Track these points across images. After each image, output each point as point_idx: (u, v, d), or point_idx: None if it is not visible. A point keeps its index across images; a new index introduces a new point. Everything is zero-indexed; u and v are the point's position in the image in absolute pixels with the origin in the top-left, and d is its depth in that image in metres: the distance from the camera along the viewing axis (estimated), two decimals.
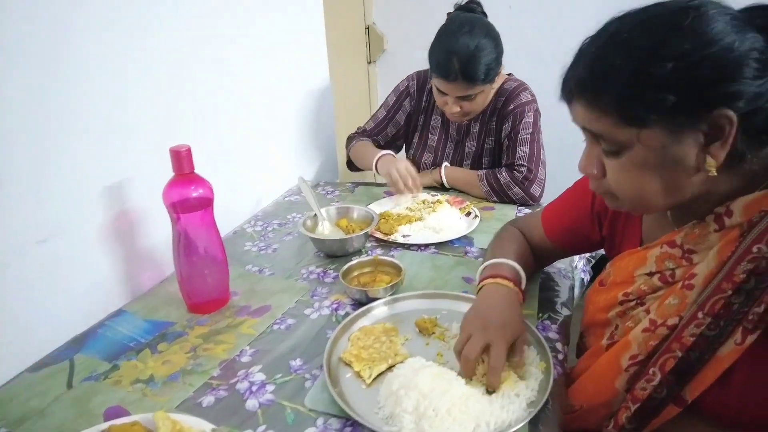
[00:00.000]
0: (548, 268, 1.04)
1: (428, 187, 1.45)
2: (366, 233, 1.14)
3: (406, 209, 1.31)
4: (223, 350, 0.84)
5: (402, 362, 0.77)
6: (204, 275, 0.93)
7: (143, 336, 0.89)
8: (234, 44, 1.26)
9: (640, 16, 0.59)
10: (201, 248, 0.92)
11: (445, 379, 0.71)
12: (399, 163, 1.35)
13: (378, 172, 1.40)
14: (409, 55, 1.91)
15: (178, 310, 0.95)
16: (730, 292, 0.57)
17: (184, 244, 0.90)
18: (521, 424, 0.65)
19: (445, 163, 1.47)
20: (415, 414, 0.66)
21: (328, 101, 1.77)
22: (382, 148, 1.51)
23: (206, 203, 0.91)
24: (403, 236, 1.19)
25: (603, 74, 0.58)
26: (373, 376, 0.75)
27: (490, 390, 0.71)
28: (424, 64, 1.46)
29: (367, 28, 2.31)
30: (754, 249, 0.56)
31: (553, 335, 0.86)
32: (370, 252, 1.14)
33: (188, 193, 0.88)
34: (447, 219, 1.25)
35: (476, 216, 1.26)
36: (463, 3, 1.40)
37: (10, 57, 0.76)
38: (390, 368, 0.77)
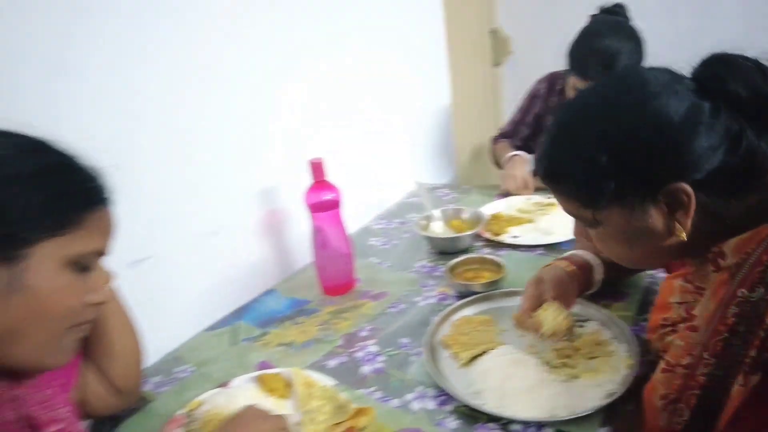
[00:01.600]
0: (660, 273, 1.05)
1: (545, 189, 1.49)
2: (474, 233, 1.24)
3: (517, 211, 1.38)
4: (347, 325, 1.02)
5: (494, 349, 0.87)
6: (334, 264, 1.12)
7: (286, 310, 1.11)
8: (357, 54, 1.43)
9: (581, 105, 0.63)
10: (332, 242, 1.10)
11: (530, 365, 0.80)
12: (522, 167, 1.42)
13: (503, 170, 1.48)
14: (537, 57, 1.94)
15: (313, 291, 1.16)
16: (726, 334, 0.56)
17: (319, 238, 1.10)
18: (594, 410, 0.72)
19: None
20: (499, 391, 0.76)
21: (449, 106, 1.89)
22: (519, 149, 1.56)
23: (335, 205, 1.09)
24: (513, 237, 1.27)
25: (555, 165, 0.64)
26: (467, 358, 0.87)
27: (572, 376, 0.78)
28: (551, 66, 1.50)
29: (492, 32, 2.37)
30: (739, 293, 0.55)
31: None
32: (478, 251, 1.24)
33: (322, 197, 1.07)
34: (558, 222, 1.29)
35: None
36: (608, 6, 1.41)
37: (192, 88, 1.02)
38: (483, 353, 0.87)
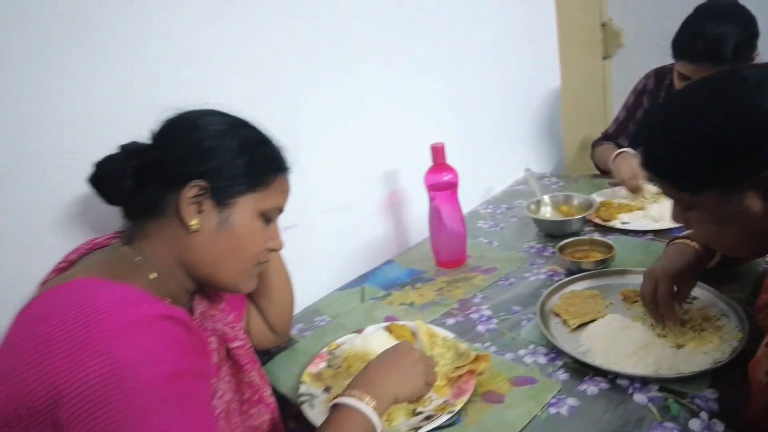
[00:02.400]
0: None
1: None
2: (584, 217, 1.30)
3: (627, 199, 1.40)
4: (461, 292, 1.14)
5: (602, 318, 0.94)
6: (448, 240, 1.24)
7: (405, 278, 1.25)
8: (469, 45, 1.53)
9: (684, 97, 0.67)
10: (447, 219, 1.23)
11: (638, 330, 0.87)
12: (632, 159, 1.41)
13: (612, 168, 1.46)
14: (647, 49, 1.92)
15: (428, 264, 1.29)
16: None
17: (436, 216, 1.23)
18: (700, 372, 0.76)
19: None
20: (606, 352, 0.84)
21: (558, 97, 1.93)
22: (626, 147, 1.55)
23: (453, 186, 1.21)
24: (622, 223, 1.31)
25: (658, 150, 0.70)
26: (576, 324, 0.94)
27: (680, 344, 0.83)
28: (662, 58, 1.49)
29: (603, 24, 2.36)
30: None
31: None
32: (588, 235, 1.30)
33: (441, 178, 1.20)
34: (669, 209, 1.30)
35: None
36: None
37: (334, 82, 1.19)
38: (591, 321, 0.94)
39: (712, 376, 0.78)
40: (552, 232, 1.32)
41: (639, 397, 0.77)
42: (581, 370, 0.84)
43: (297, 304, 1.15)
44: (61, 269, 0.73)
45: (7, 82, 0.77)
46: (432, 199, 1.22)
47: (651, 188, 1.41)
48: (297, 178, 1.13)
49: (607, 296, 1.02)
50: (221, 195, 0.72)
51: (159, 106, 0.75)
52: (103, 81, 0.85)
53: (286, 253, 1.07)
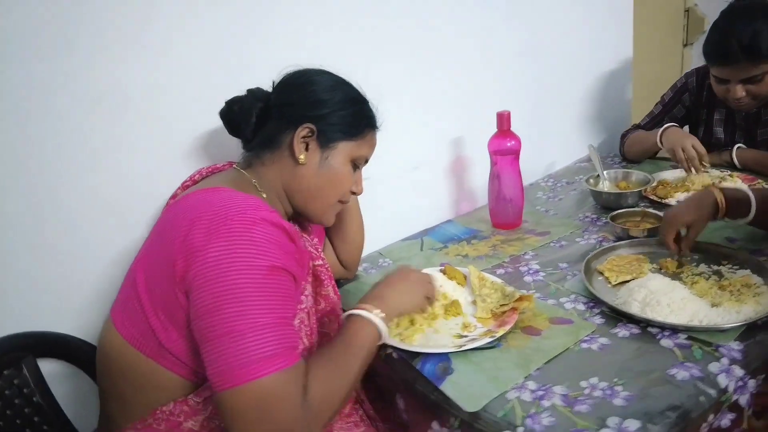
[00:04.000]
0: None
1: (717, 166, 1.50)
2: (640, 192, 1.35)
3: (687, 180, 1.43)
4: (513, 250, 1.24)
5: (644, 277, 1.02)
6: (506, 203, 1.34)
7: (462, 235, 1.37)
8: (544, 18, 1.58)
9: None
10: (506, 184, 1.32)
11: (676, 288, 0.94)
12: (686, 139, 1.43)
13: (662, 146, 1.50)
14: None
15: (485, 225, 1.40)
16: None
17: (496, 180, 1.33)
18: (730, 327, 0.84)
19: (739, 144, 1.49)
20: (642, 303, 0.92)
21: (629, 79, 1.94)
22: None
23: (515, 152, 1.31)
24: (677, 201, 1.35)
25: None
26: (617, 281, 1.03)
27: (715, 303, 0.90)
28: None
29: (687, 10, 2.31)
30: None
31: None
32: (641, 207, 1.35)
33: (504, 144, 1.30)
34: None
35: None
36: None
37: (410, 55, 1.31)
38: (632, 279, 1.02)
39: (743, 333, 0.84)
40: (608, 205, 1.38)
41: (666, 342, 0.85)
42: (616, 317, 0.93)
43: (365, 247, 1.32)
44: (186, 186, 0.91)
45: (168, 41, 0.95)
46: (494, 163, 1.32)
47: (716, 172, 1.44)
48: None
49: (651, 261, 1.09)
50: (325, 138, 0.87)
51: (271, 64, 0.91)
52: (233, 41, 1.03)
53: (361, 204, 1.23)
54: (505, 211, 1.36)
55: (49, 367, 0.92)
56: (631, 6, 1.85)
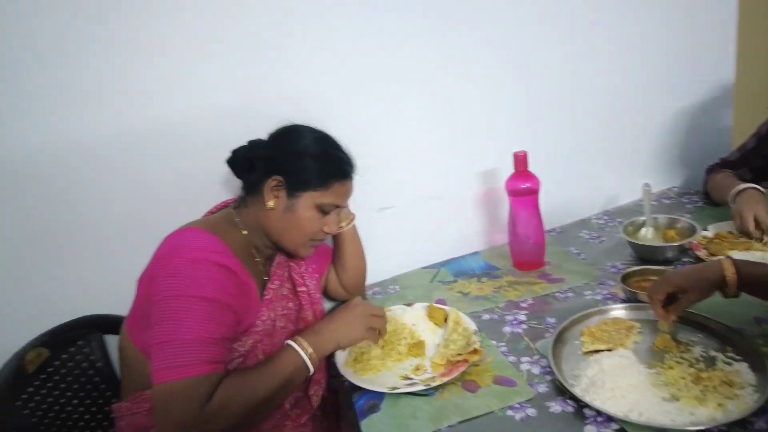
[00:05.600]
0: None
1: None
2: (680, 246, 1.21)
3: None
4: (515, 294, 1.23)
5: (616, 350, 0.95)
6: (523, 244, 1.32)
7: (479, 270, 1.38)
8: (583, 51, 1.47)
9: None
10: (522, 225, 1.30)
11: (636, 372, 0.87)
12: (758, 206, 1.22)
13: (731, 205, 1.28)
14: None
15: (506, 262, 1.38)
16: None
17: (513, 220, 1.31)
18: (660, 428, 0.76)
19: None
20: (590, 381, 0.87)
21: (728, 104, 1.66)
22: (747, 182, 1.33)
23: (532, 193, 1.27)
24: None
25: None
26: (589, 348, 0.97)
27: (674, 396, 0.82)
28: None
29: None
30: None
31: None
32: (680, 266, 1.21)
33: (519, 185, 1.27)
34: None
35: None
36: None
37: (437, 84, 1.34)
38: (606, 350, 0.96)
39: None
40: (643, 257, 1.26)
41: (590, 429, 0.81)
42: (563, 389, 0.90)
43: (381, 273, 1.41)
44: (211, 212, 1.12)
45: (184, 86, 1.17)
46: (511, 204, 1.30)
47: None
48: (395, 167, 1.37)
49: (644, 332, 1.00)
50: (291, 189, 1.00)
51: (277, 116, 1.05)
52: (245, 96, 1.20)
53: (381, 232, 1.34)
54: (523, 251, 1.33)
55: (110, 340, 1.22)
56: (734, 18, 1.57)
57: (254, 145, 1.05)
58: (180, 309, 0.85)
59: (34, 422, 1.01)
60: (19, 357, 1.02)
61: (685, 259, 1.23)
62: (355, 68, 1.27)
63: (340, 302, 1.29)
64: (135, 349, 1.00)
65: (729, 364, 0.88)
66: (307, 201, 1.00)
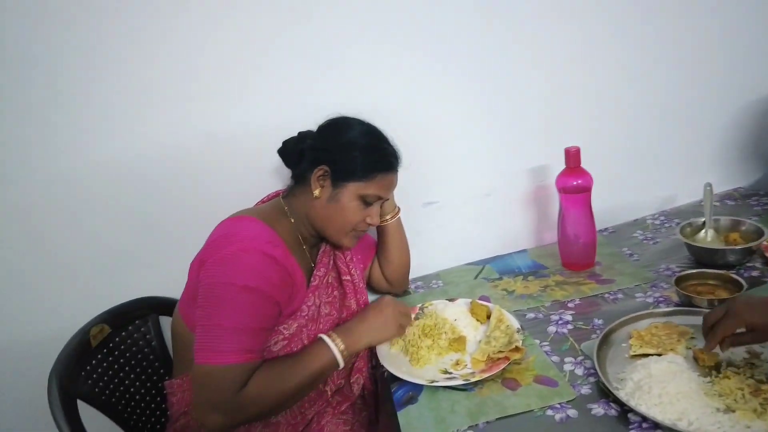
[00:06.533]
0: None
1: None
2: (745, 249, 1.14)
3: None
4: (562, 294, 1.20)
5: (666, 354, 0.91)
6: (572, 243, 1.28)
7: (525, 269, 1.35)
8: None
9: None
10: (572, 223, 1.26)
11: (685, 379, 0.83)
12: None
13: None
14: None
15: (554, 261, 1.35)
16: None
17: (563, 218, 1.28)
18: None
19: None
20: (636, 385, 0.84)
21: None
22: None
23: (584, 190, 1.23)
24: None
25: None
26: (637, 352, 0.94)
27: (730, 408, 0.78)
28: None
29: None
30: None
31: None
32: (743, 271, 1.14)
33: (570, 182, 1.23)
34: None
35: None
36: None
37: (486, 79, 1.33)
38: (655, 354, 0.92)
39: None
40: (702, 260, 1.20)
41: None
42: (607, 391, 0.87)
43: (425, 268, 1.42)
44: (263, 201, 1.16)
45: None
46: (561, 201, 1.27)
47: None
48: (443, 162, 1.37)
49: (697, 339, 0.95)
50: (336, 179, 1.02)
51: (327, 108, 1.08)
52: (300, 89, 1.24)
53: (427, 226, 1.35)
54: (572, 250, 1.29)
55: (165, 321, 1.29)
56: None
57: (303, 136, 1.08)
58: (224, 296, 0.89)
59: (96, 392, 1.09)
60: (85, 331, 1.11)
61: (748, 264, 1.16)
62: (407, 63, 1.28)
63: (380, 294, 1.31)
64: (186, 330, 1.06)
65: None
66: (351, 191, 1.02)
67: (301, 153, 1.06)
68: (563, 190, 1.25)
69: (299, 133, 1.10)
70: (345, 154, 1.02)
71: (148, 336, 1.27)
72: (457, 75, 1.32)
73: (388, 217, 1.19)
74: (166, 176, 1.23)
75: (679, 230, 1.25)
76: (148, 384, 1.22)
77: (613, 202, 1.47)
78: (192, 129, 1.21)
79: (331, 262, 1.14)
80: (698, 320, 0.98)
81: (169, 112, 1.20)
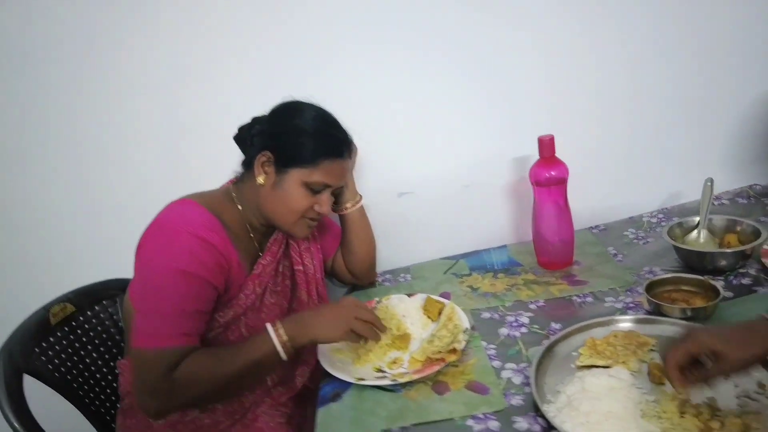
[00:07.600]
0: None
1: None
2: (739, 253, 1.00)
3: None
4: (527, 295, 1.11)
5: (613, 368, 0.81)
6: (547, 240, 1.18)
7: (498, 266, 1.26)
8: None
9: None
10: (548, 219, 1.16)
11: (619, 396, 0.74)
12: None
13: None
14: None
15: (531, 258, 1.25)
16: None
17: (537, 213, 1.18)
18: None
19: None
20: (568, 400, 0.76)
21: None
22: None
23: (559, 182, 1.13)
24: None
25: None
26: (584, 362, 0.84)
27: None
28: None
29: None
30: None
31: None
32: (733, 278, 1.00)
33: (544, 174, 1.13)
34: None
35: None
36: None
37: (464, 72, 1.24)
38: (603, 366, 0.83)
39: None
40: (690, 264, 1.07)
41: None
42: (537, 404, 0.79)
43: (399, 260, 1.36)
44: (227, 185, 1.13)
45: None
46: (535, 194, 1.17)
47: None
48: (419, 151, 1.30)
49: (658, 350, 0.84)
50: (280, 165, 0.98)
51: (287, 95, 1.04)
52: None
53: (401, 217, 1.30)
54: (547, 248, 1.19)
55: None
56: None
57: (255, 121, 1.05)
58: (157, 280, 0.88)
59: (50, 369, 1.11)
60: (45, 309, 1.13)
61: (741, 270, 1.02)
62: (384, 52, 1.23)
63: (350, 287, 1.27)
64: (133, 311, 1.06)
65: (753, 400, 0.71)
66: (295, 178, 0.97)
67: (251, 137, 1.02)
68: (537, 183, 1.15)
69: (252, 118, 1.06)
70: (290, 139, 0.97)
71: (115, 317, 1.28)
72: (436, 61, 1.24)
73: (348, 206, 1.14)
74: (145, 161, 1.25)
75: (666, 230, 1.13)
76: (112, 364, 1.23)
77: (611, 198, 1.35)
78: (173, 118, 1.23)
79: (281, 251, 1.10)
80: (664, 330, 0.89)
81: (147, 102, 1.21)
